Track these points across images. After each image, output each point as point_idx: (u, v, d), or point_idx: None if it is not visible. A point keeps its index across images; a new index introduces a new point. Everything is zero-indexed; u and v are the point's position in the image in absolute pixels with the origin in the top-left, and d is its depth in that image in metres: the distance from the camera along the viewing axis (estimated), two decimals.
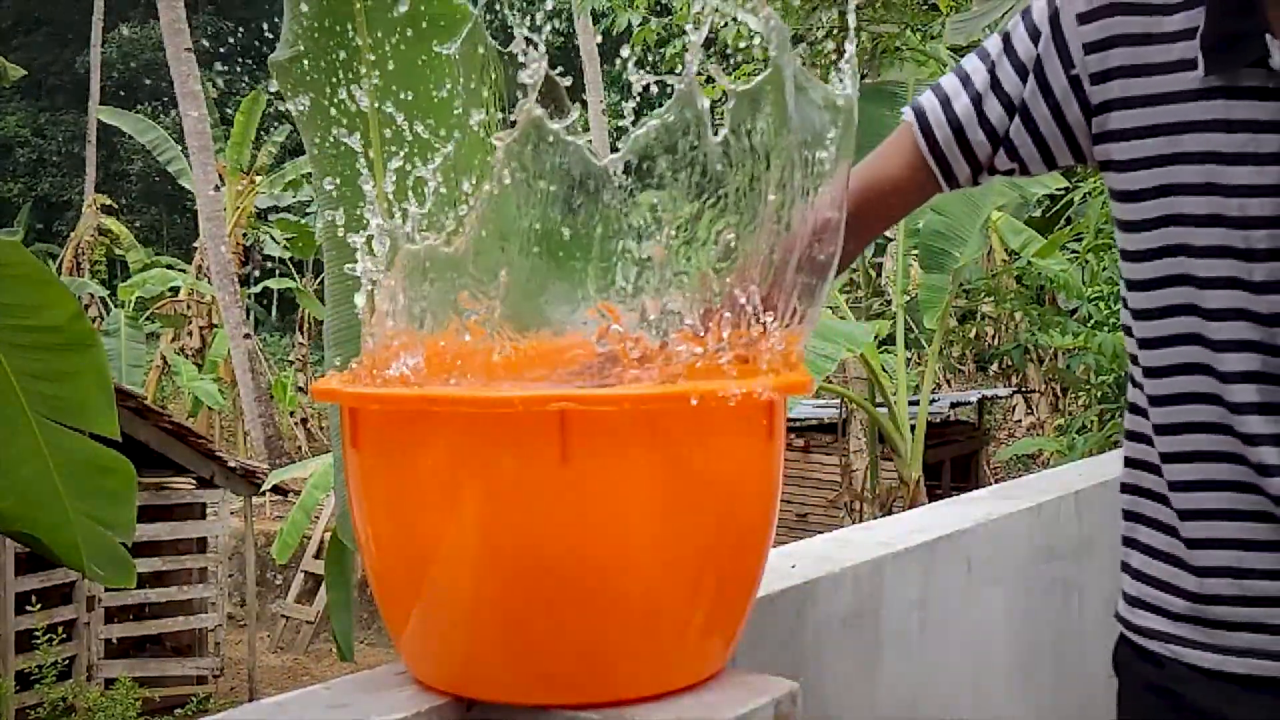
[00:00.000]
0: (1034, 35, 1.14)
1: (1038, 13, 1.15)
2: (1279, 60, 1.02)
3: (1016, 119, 1.17)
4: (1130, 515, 1.21)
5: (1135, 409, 1.19)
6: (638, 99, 0.95)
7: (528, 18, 0.89)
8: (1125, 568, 1.21)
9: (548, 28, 0.88)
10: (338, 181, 2.62)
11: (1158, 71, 1.08)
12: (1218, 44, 1.05)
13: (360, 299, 0.98)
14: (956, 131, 1.19)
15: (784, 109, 0.96)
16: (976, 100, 1.18)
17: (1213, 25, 1.05)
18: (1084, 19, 1.11)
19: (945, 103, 1.20)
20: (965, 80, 1.19)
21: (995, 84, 1.17)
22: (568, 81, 0.94)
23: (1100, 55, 1.11)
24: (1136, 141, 1.10)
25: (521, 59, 0.88)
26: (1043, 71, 1.14)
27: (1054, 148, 1.17)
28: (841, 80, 1.00)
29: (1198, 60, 1.06)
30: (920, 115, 1.22)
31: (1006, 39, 1.17)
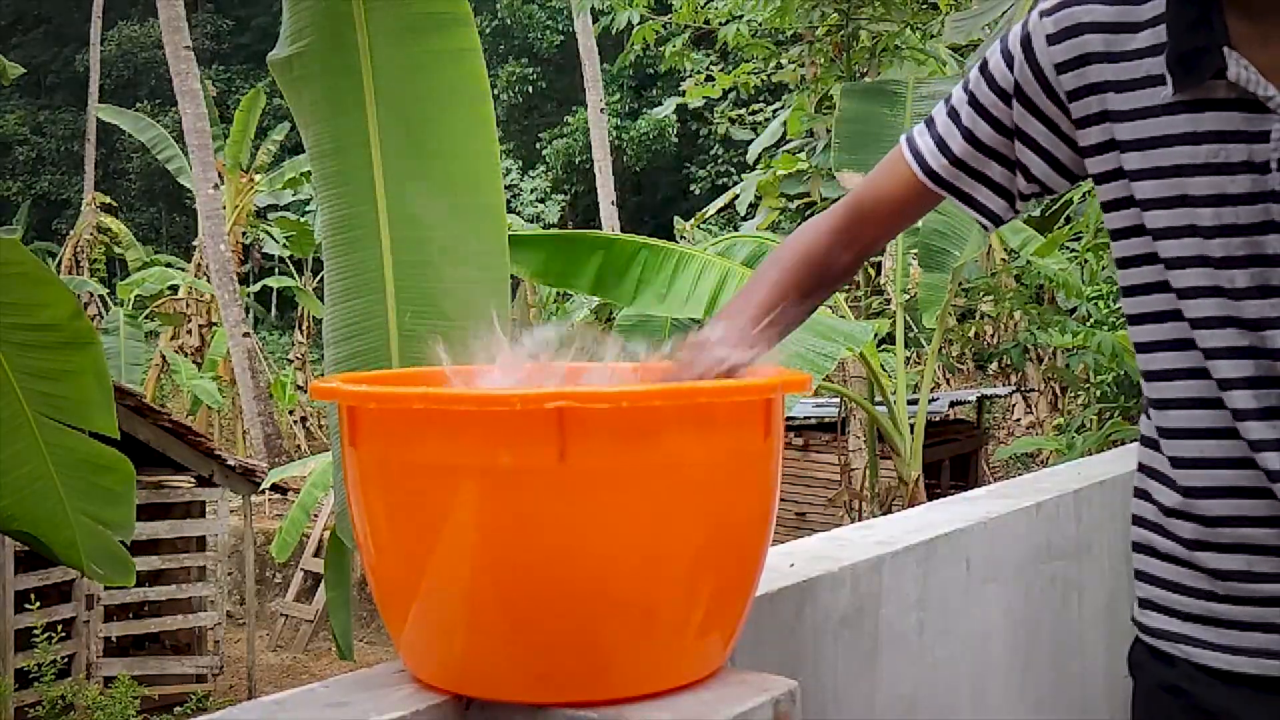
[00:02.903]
0: (1009, 61, 1.17)
1: (1011, 38, 1.18)
2: (1234, 71, 1.04)
3: (1017, 141, 1.19)
4: (1140, 520, 1.21)
5: (1147, 413, 1.20)
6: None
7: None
8: (1137, 572, 1.22)
9: None
10: (336, 178, 2.62)
11: (1127, 88, 1.10)
12: (1181, 60, 1.07)
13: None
14: (966, 169, 1.21)
15: None
16: (968, 135, 1.21)
17: (1175, 43, 1.07)
18: (1053, 40, 1.14)
19: (943, 146, 1.22)
20: (954, 116, 1.22)
21: (983, 111, 1.20)
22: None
23: (1074, 73, 1.13)
24: (1113, 154, 1.12)
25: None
26: (1025, 95, 1.16)
27: (1065, 160, 1.19)
28: None
29: (1165, 76, 1.08)
30: (929, 170, 1.23)
31: (984, 67, 1.20)
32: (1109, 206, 1.15)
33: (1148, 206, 1.10)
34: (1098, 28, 1.11)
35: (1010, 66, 1.17)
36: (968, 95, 1.21)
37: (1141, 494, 1.21)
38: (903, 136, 1.28)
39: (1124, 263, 1.15)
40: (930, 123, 1.25)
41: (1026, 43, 1.15)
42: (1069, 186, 1.24)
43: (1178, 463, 1.14)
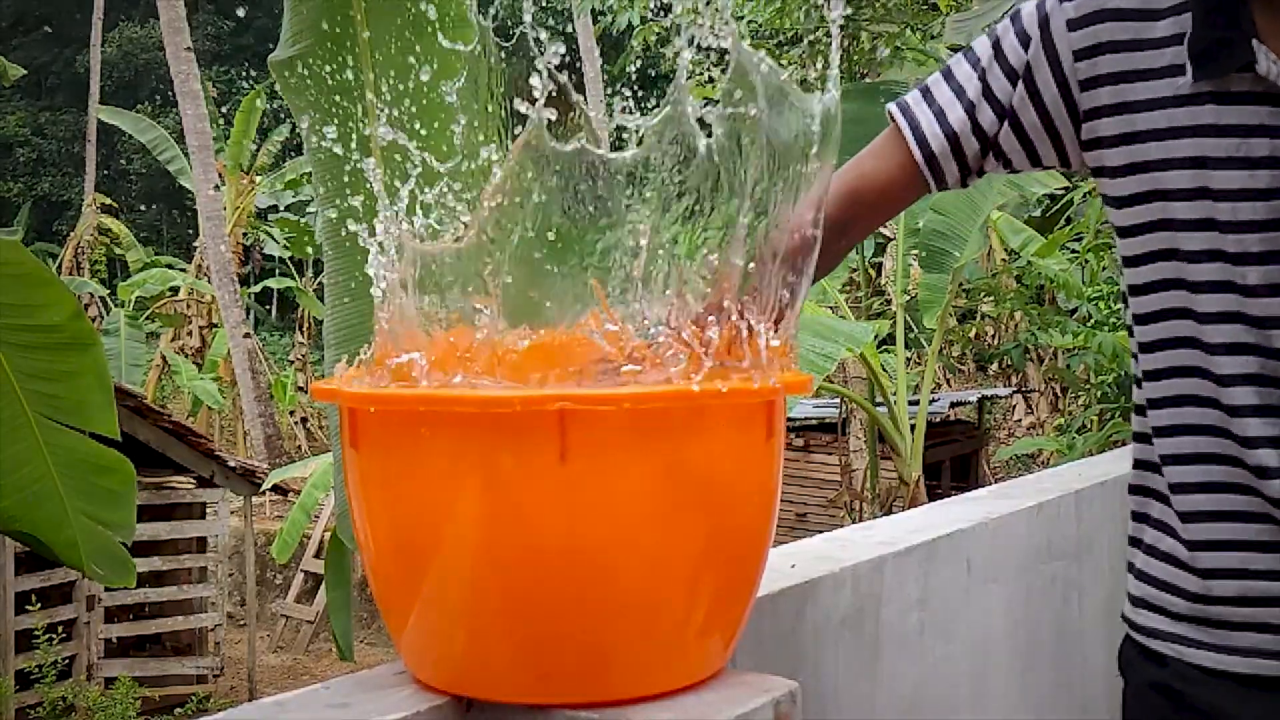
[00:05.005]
0: (1024, 41, 1.14)
1: (1027, 18, 1.15)
2: (1264, 65, 1.03)
3: (1006, 124, 1.17)
4: (1137, 516, 1.21)
5: (1140, 410, 1.19)
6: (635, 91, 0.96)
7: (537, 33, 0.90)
8: (1130, 568, 1.22)
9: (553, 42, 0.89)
10: (336, 178, 2.62)
11: (1147, 77, 1.09)
12: (1205, 50, 1.05)
13: (375, 292, 0.98)
14: (951, 141, 1.19)
15: (757, 128, 0.96)
16: (970, 110, 1.18)
17: (1199, 31, 1.06)
18: (1073, 25, 1.11)
19: (940, 115, 1.19)
20: (959, 91, 1.19)
21: (987, 92, 1.17)
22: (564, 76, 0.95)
23: (1090, 62, 1.11)
24: (1127, 147, 1.10)
25: (536, 76, 0.90)
26: (1033, 78, 1.14)
27: (1040, 150, 1.18)
28: (824, 87, 1.00)
29: (1186, 66, 1.06)
30: (914, 126, 1.21)
31: (997, 44, 1.17)
32: (1123, 202, 1.12)
33: (1165, 198, 1.08)
34: (1119, 15, 1.10)
35: (1025, 47, 1.14)
36: (977, 73, 1.18)
37: (1141, 490, 1.21)
38: (893, 108, 1.23)
39: (1136, 260, 1.12)
40: (927, 94, 1.21)
41: (1044, 25, 1.13)
42: (1028, 170, 1.22)
43: (1168, 460, 1.13)
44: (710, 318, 0.96)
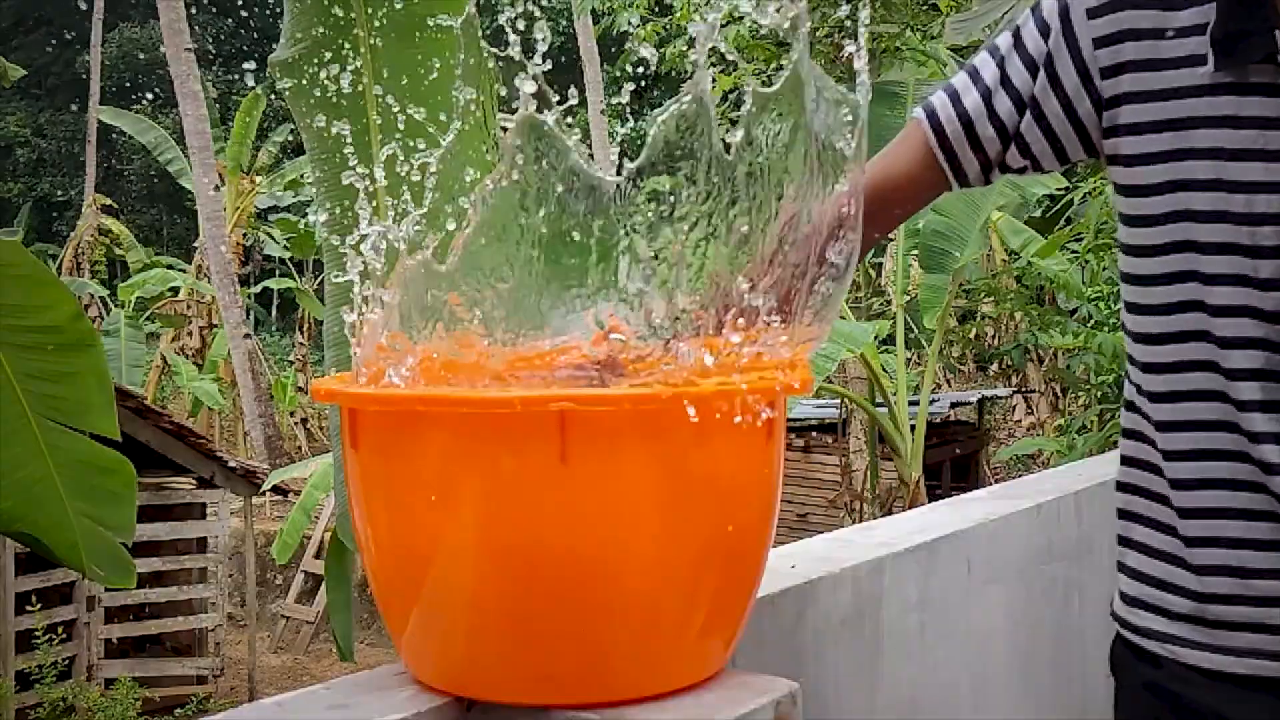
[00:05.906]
0: (1044, 31, 1.14)
1: (1047, 8, 1.15)
2: None
3: (1028, 115, 1.16)
4: (1126, 514, 1.20)
5: (1132, 406, 1.19)
6: (638, 83, 0.95)
7: (525, 12, 0.90)
8: (1121, 567, 1.21)
9: (545, 31, 0.89)
10: (336, 179, 2.62)
11: (1167, 66, 1.08)
12: (1227, 40, 1.05)
13: (349, 316, 0.97)
14: (966, 126, 1.19)
15: (802, 103, 0.96)
16: (986, 95, 1.18)
17: (1222, 21, 1.05)
18: (1094, 13, 1.11)
19: (955, 98, 1.20)
20: (975, 76, 1.19)
21: (1005, 80, 1.17)
22: (560, 73, 0.94)
23: (1111, 49, 1.11)
24: (1146, 136, 1.10)
25: (518, 55, 0.89)
26: (1053, 67, 1.14)
27: (1066, 143, 1.17)
28: (857, 76, 1.00)
29: (1207, 56, 1.06)
30: (930, 112, 1.21)
31: (1017, 35, 1.17)
32: (1137, 191, 1.11)
33: (1183, 188, 1.08)
34: (1140, 3, 1.09)
35: (1045, 36, 1.14)
36: (995, 60, 1.18)
37: (1131, 488, 1.20)
38: (917, 110, 1.24)
39: (1147, 251, 1.11)
40: (947, 85, 1.22)
41: (1064, 14, 1.13)
42: (1057, 170, 1.22)
43: (1170, 456, 1.13)
44: (739, 319, 0.96)
